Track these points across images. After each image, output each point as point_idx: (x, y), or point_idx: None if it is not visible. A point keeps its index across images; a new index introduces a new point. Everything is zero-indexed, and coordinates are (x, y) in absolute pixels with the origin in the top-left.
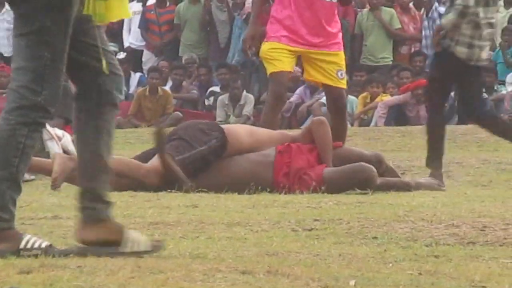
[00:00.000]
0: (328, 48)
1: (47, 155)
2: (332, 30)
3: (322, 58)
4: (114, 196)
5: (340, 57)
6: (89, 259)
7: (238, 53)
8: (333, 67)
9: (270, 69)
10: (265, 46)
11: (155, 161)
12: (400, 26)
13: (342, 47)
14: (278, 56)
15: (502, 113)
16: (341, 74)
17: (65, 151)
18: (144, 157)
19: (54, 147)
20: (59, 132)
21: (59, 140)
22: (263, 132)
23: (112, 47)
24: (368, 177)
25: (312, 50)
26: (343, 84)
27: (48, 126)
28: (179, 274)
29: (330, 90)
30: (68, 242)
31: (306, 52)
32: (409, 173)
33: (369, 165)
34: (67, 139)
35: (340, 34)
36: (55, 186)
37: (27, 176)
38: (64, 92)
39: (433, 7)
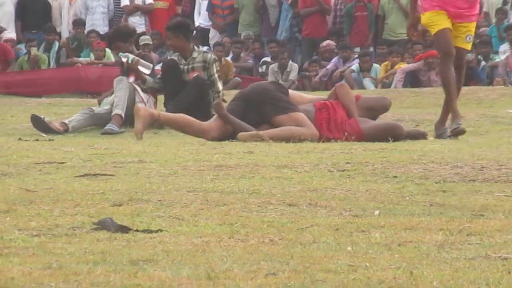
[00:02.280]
0: (468, 19)
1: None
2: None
3: (458, 25)
4: (186, 144)
5: (472, 26)
6: (167, 194)
7: (285, 30)
8: (465, 32)
9: (433, 30)
10: (424, 16)
11: (212, 121)
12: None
13: (476, 17)
14: (436, 19)
15: (496, 76)
16: (469, 38)
17: None
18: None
19: None
20: (145, 96)
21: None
22: (301, 95)
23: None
24: (399, 133)
25: (455, 21)
26: (467, 46)
27: (140, 90)
28: (238, 206)
29: (456, 49)
30: (151, 181)
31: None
32: (421, 125)
33: (399, 124)
34: (151, 103)
35: (478, 6)
36: (138, 137)
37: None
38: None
39: None
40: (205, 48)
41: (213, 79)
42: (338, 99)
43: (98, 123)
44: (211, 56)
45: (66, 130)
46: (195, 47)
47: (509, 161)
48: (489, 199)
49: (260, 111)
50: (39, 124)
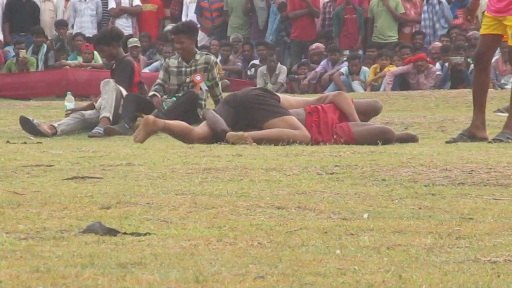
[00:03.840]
0: (507, 13)
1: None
2: None
3: (505, 23)
4: (175, 147)
5: None
6: (155, 197)
7: (272, 33)
8: (510, 28)
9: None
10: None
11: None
12: (403, 11)
13: None
14: (483, 22)
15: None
16: None
17: None
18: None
19: None
20: None
21: None
22: (290, 98)
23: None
24: (390, 138)
25: (498, 16)
26: None
27: (125, 93)
28: (227, 209)
29: (506, 45)
30: (140, 184)
31: (494, 17)
32: (410, 128)
33: (390, 128)
34: None
35: None
36: (137, 140)
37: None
38: None
39: None
40: None
41: (216, 81)
42: (331, 103)
43: (88, 128)
44: (213, 58)
45: (54, 133)
46: (197, 50)
47: (498, 164)
48: (478, 202)
49: (251, 117)
50: (28, 126)
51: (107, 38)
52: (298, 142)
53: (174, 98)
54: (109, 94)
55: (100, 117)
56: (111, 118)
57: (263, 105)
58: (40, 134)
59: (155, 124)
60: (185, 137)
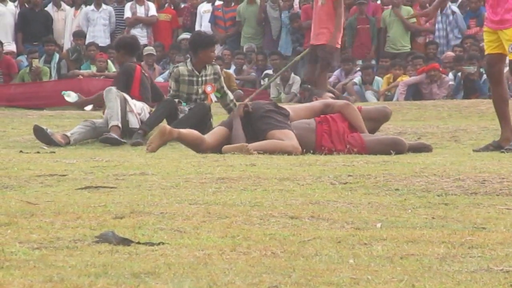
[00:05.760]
0: (502, 25)
1: (127, 123)
2: (506, 6)
3: (501, 36)
4: (188, 157)
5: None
6: (169, 206)
7: (286, 43)
8: (507, 43)
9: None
10: None
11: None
12: (415, 20)
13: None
14: (484, 39)
15: None
16: (511, 48)
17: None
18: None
19: (133, 119)
20: (139, 105)
21: (139, 115)
22: (300, 109)
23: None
24: (402, 149)
25: (495, 30)
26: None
27: (130, 100)
28: (240, 218)
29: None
30: (153, 193)
31: (492, 31)
32: (423, 137)
33: (403, 139)
34: (145, 111)
35: None
36: (150, 149)
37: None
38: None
39: (447, 5)
40: None
41: (225, 90)
42: (339, 112)
43: (99, 136)
44: (219, 67)
45: (67, 142)
46: None
47: (511, 174)
48: (491, 212)
49: (257, 127)
50: (42, 135)
51: (118, 45)
52: (288, 153)
53: (184, 104)
54: (113, 102)
55: (110, 126)
56: (120, 125)
57: (269, 118)
58: (53, 143)
59: (170, 134)
60: (197, 146)
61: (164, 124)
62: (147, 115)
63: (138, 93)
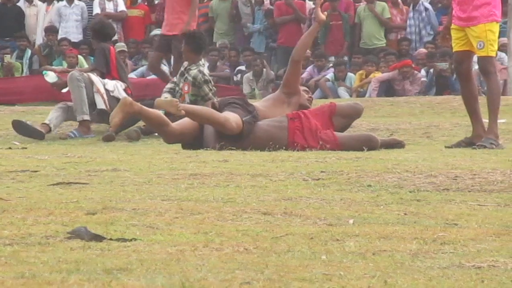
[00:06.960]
0: (470, 22)
1: (95, 105)
2: (474, 3)
3: (469, 33)
4: (161, 153)
5: (480, 29)
6: (141, 202)
7: (259, 39)
8: (475, 40)
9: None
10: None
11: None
12: (389, 16)
13: (483, 19)
14: (452, 36)
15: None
16: (480, 45)
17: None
18: None
19: (99, 100)
20: (111, 83)
21: (112, 92)
22: (263, 108)
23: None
24: (374, 145)
25: (463, 27)
26: (482, 53)
27: (96, 80)
28: (213, 215)
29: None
30: (126, 189)
31: (459, 28)
32: (396, 134)
33: (375, 136)
34: (119, 88)
35: (488, 7)
36: (113, 123)
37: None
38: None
39: (420, 2)
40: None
41: (208, 98)
42: (314, 109)
43: (74, 117)
44: (201, 77)
45: (48, 131)
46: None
47: (483, 170)
48: (463, 208)
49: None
50: (22, 128)
51: (91, 32)
52: (220, 124)
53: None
54: (76, 91)
55: (78, 120)
56: (88, 118)
57: (230, 107)
58: (35, 133)
59: (131, 106)
60: (161, 128)
61: (126, 96)
62: (122, 93)
63: (117, 74)
